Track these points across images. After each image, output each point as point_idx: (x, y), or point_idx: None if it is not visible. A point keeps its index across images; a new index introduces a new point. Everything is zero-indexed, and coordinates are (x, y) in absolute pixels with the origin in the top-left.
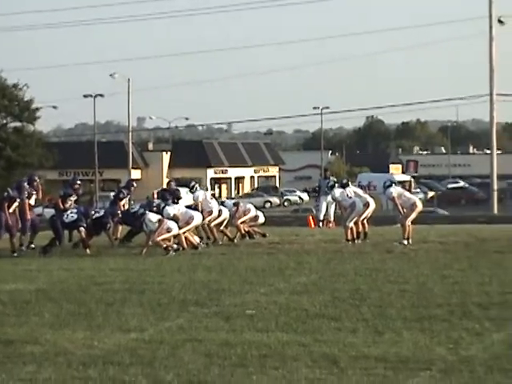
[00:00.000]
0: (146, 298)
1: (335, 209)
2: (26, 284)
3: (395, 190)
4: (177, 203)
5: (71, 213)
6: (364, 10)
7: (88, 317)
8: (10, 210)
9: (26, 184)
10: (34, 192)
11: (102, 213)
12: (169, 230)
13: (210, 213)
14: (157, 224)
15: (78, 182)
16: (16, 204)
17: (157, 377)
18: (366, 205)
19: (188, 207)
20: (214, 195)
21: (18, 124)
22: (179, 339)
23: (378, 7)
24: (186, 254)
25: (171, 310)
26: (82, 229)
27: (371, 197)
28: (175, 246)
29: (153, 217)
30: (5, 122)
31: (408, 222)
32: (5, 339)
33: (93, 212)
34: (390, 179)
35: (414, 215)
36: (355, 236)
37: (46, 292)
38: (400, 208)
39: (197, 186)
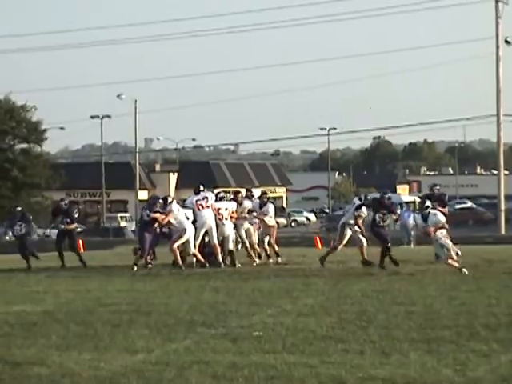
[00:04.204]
0: (153, 319)
1: None
2: (33, 306)
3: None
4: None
5: None
6: (370, 31)
7: (95, 338)
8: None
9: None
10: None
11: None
12: (181, 236)
13: None
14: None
15: (160, 200)
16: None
17: None
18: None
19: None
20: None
21: (25, 145)
22: (186, 361)
23: (386, 29)
24: (194, 275)
25: (178, 331)
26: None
27: None
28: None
29: None
30: (12, 143)
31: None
32: (12, 361)
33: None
34: (398, 201)
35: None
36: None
37: (52, 314)
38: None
39: None
